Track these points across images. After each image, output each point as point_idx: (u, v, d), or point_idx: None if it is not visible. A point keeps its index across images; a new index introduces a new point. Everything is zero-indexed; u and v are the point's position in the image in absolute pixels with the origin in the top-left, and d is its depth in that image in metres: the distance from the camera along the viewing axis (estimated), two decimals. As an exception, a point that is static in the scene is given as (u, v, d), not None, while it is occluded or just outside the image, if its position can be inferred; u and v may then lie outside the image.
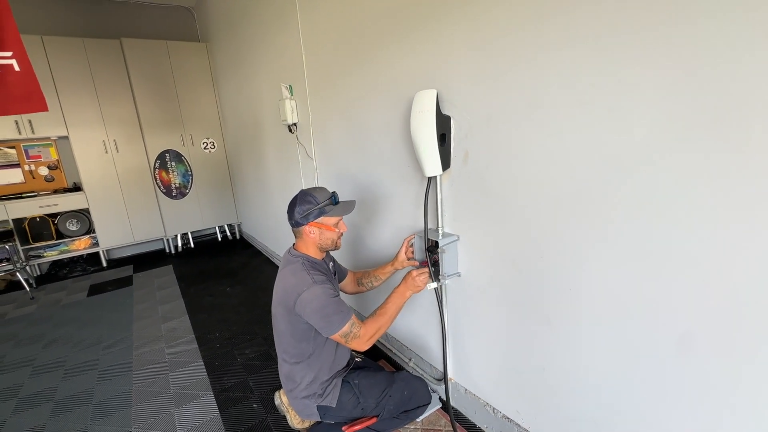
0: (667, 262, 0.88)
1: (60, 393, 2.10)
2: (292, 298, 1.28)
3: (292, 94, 2.55)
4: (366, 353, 2.16)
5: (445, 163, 1.40)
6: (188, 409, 1.89)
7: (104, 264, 4.24)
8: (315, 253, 1.41)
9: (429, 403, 1.48)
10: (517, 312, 1.31)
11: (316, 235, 1.37)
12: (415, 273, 1.42)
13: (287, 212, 1.39)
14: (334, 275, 1.52)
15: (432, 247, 1.44)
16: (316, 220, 1.35)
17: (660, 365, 0.95)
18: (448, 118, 1.37)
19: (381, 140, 1.77)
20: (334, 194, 1.40)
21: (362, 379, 1.43)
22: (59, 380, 2.22)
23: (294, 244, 1.47)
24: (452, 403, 1.73)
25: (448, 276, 1.46)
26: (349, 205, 1.43)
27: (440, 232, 1.49)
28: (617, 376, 1.06)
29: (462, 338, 1.59)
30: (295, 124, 2.62)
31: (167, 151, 4.32)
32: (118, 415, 1.89)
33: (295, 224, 1.37)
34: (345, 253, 2.39)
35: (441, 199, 1.47)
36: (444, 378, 1.55)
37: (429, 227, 1.49)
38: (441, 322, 1.48)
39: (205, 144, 4.53)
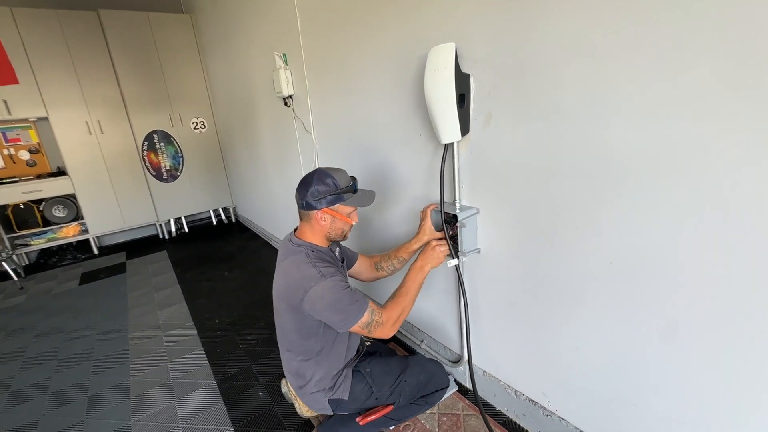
0: (726, 234, 0.77)
1: (53, 386, 1.99)
2: (297, 296, 1.13)
3: (286, 64, 2.36)
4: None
5: (464, 128, 1.26)
6: (190, 400, 1.79)
7: (95, 251, 4.08)
8: (321, 242, 1.25)
9: (447, 387, 1.38)
10: (546, 289, 1.20)
11: (326, 223, 1.21)
12: (434, 243, 1.29)
13: (297, 190, 1.21)
14: (342, 262, 1.37)
15: (450, 219, 1.32)
16: (331, 207, 1.19)
17: (709, 344, 0.85)
18: (467, 77, 1.22)
19: (388, 108, 1.62)
20: (354, 180, 1.25)
21: (374, 367, 1.32)
22: (52, 372, 2.11)
23: (295, 230, 1.30)
24: (470, 385, 1.65)
25: (467, 252, 1.34)
26: (369, 196, 1.28)
27: (457, 205, 1.37)
28: (664, 358, 0.96)
29: (480, 318, 1.48)
30: (290, 97, 2.44)
31: (155, 131, 4.11)
32: (115, 407, 1.79)
33: (306, 206, 1.19)
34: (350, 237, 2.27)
35: (458, 169, 1.34)
36: (468, 360, 1.46)
37: (444, 201, 1.35)
38: (463, 302, 1.37)
39: (195, 124, 4.32)
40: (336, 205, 1.19)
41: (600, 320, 1.07)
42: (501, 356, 1.46)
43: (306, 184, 1.19)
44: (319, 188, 1.16)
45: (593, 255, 1.03)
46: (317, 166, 1.23)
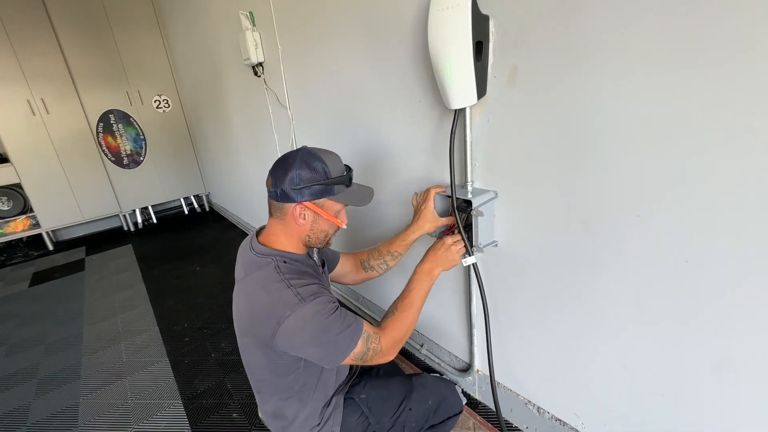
0: None
1: (-14, 413, 1.68)
2: (268, 329, 0.81)
3: (254, 24, 2.00)
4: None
5: (481, 89, 0.97)
6: (151, 425, 1.51)
7: (50, 247, 3.67)
8: (296, 247, 0.92)
9: (460, 413, 1.14)
10: (585, 291, 0.95)
11: (306, 222, 0.88)
12: (450, 241, 1.02)
13: (271, 173, 0.87)
14: (323, 267, 1.07)
15: (462, 206, 1.05)
16: (315, 201, 0.87)
17: None
18: (485, 20, 0.93)
19: (379, 70, 1.31)
20: (349, 170, 0.92)
21: (371, 392, 1.05)
22: (-14, 396, 1.78)
23: (258, 233, 0.96)
24: (481, 398, 1.43)
25: (483, 246, 1.08)
26: (366, 194, 0.97)
27: (469, 188, 1.10)
28: (750, 382, 0.73)
29: (495, 323, 1.24)
30: (260, 64, 2.09)
31: (111, 111, 3.65)
32: (59, 439, 1.50)
33: (281, 196, 0.85)
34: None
35: (471, 142, 1.06)
36: (491, 377, 1.22)
37: (455, 182, 1.08)
38: (483, 307, 1.12)
39: (158, 102, 3.87)
40: (323, 199, 0.87)
41: (658, 335, 0.83)
42: (520, 368, 1.23)
43: (284, 166, 0.85)
44: (302, 174, 0.84)
45: (661, 250, 0.78)
46: (302, 145, 0.90)
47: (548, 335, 1.10)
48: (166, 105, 3.92)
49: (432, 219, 1.10)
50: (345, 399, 1.03)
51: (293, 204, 0.86)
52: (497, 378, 1.32)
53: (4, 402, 1.73)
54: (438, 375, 1.16)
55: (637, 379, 0.92)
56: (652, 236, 0.78)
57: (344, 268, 1.18)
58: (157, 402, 1.63)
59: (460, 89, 0.96)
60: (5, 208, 3.42)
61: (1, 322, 2.44)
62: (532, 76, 0.89)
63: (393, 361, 1.32)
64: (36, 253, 3.60)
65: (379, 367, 1.21)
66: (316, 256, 1.03)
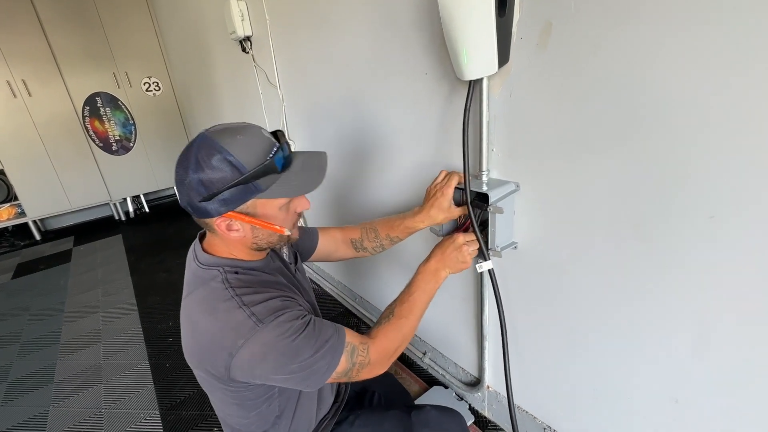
0: None
1: (-52, 421, 1.54)
2: (219, 362, 0.63)
3: (240, -8, 1.79)
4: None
5: (502, 55, 0.78)
6: (123, 440, 1.37)
7: (37, 237, 3.52)
8: (246, 254, 0.72)
9: None
10: (628, 308, 0.77)
11: (243, 231, 0.66)
12: (462, 239, 0.83)
13: (175, 183, 0.65)
14: (296, 261, 0.88)
15: (477, 202, 0.86)
16: (239, 208, 0.63)
17: None
18: (510, -36, 0.73)
19: (378, 39, 1.11)
20: (278, 142, 0.67)
21: (362, 429, 0.88)
22: (-50, 401, 1.65)
23: (201, 236, 0.76)
24: (491, 416, 1.26)
25: (501, 249, 0.90)
26: (315, 169, 0.70)
27: (484, 179, 0.91)
28: None
29: (511, 335, 1.06)
30: (248, 39, 1.89)
31: (97, 94, 3.46)
32: (22, 453, 1.36)
33: (193, 210, 0.64)
34: (316, 213, 1.80)
35: (488, 122, 0.87)
36: (508, 400, 1.05)
37: (466, 172, 0.88)
38: (501, 321, 0.92)
39: (147, 84, 3.66)
40: (249, 203, 0.63)
41: (739, 371, 0.65)
42: (539, 388, 1.06)
43: (180, 169, 0.62)
44: (204, 177, 0.60)
45: (744, 264, 0.60)
46: (201, 131, 0.67)
47: (576, 354, 0.92)
48: (157, 87, 3.72)
49: (448, 211, 0.89)
50: (332, 439, 0.86)
51: (212, 219, 0.64)
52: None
53: (-31, 408, 1.60)
54: (442, 406, 0.98)
55: (689, 417, 0.75)
56: (731, 245, 0.60)
57: (328, 247, 0.98)
58: (133, 412, 1.48)
59: (477, 55, 0.76)
60: (-13, 195, 3.26)
61: (-23, 318, 2.30)
62: (572, 35, 0.69)
63: (390, 379, 1.16)
64: (22, 243, 3.46)
65: (373, 390, 1.03)
66: (286, 251, 0.85)
